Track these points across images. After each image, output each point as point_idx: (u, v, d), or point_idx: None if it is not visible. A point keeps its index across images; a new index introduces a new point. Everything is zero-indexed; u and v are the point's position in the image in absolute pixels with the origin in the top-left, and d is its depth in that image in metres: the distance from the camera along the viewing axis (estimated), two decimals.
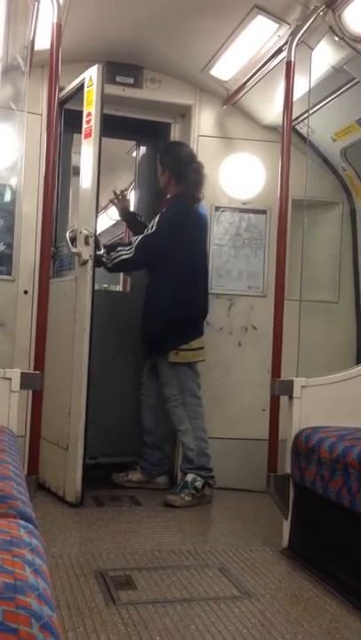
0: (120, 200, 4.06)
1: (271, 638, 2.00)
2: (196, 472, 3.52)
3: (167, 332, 3.60)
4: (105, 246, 3.64)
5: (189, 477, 3.50)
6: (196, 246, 3.69)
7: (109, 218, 6.40)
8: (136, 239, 3.63)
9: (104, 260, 3.56)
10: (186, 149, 3.81)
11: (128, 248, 3.60)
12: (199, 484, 3.49)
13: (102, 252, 3.54)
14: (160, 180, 3.81)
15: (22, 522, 1.32)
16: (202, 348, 3.66)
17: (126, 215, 4.10)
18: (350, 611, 2.21)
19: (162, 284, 3.63)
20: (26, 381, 2.51)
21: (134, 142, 4.60)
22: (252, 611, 2.19)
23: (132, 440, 3.92)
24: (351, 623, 2.13)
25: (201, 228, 3.75)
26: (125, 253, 3.59)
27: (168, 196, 3.76)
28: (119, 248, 3.63)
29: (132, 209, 4.23)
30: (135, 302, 3.92)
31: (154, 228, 3.59)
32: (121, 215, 4.17)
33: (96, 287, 3.51)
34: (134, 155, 4.64)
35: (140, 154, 4.50)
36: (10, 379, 2.46)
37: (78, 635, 1.95)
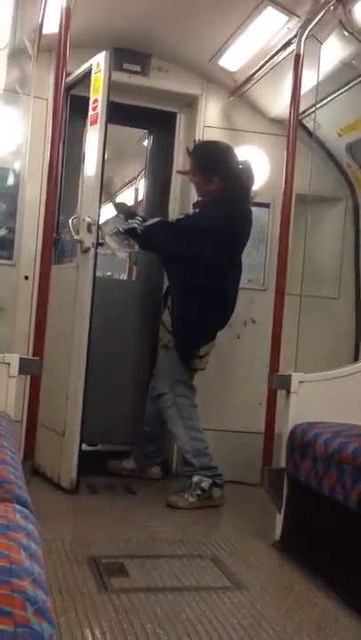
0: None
1: (261, 630, 2.02)
2: (200, 473, 3.34)
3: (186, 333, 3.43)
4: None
5: (195, 478, 3.32)
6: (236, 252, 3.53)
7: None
8: (155, 220, 3.46)
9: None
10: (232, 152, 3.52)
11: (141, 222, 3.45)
12: (205, 484, 3.32)
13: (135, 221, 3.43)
14: (204, 186, 3.49)
15: (18, 506, 1.32)
16: (207, 354, 3.56)
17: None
18: (340, 605, 2.23)
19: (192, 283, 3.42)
20: (24, 367, 2.51)
21: (145, 131, 4.52)
22: (242, 602, 2.21)
23: (131, 428, 3.92)
24: (341, 618, 2.15)
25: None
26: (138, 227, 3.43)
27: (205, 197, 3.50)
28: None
29: (140, 197, 4.05)
30: (140, 291, 3.89)
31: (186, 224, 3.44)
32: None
33: (100, 275, 3.47)
34: (145, 143, 4.61)
35: (151, 142, 4.47)
36: (9, 364, 2.46)
37: (69, 619, 1.96)
